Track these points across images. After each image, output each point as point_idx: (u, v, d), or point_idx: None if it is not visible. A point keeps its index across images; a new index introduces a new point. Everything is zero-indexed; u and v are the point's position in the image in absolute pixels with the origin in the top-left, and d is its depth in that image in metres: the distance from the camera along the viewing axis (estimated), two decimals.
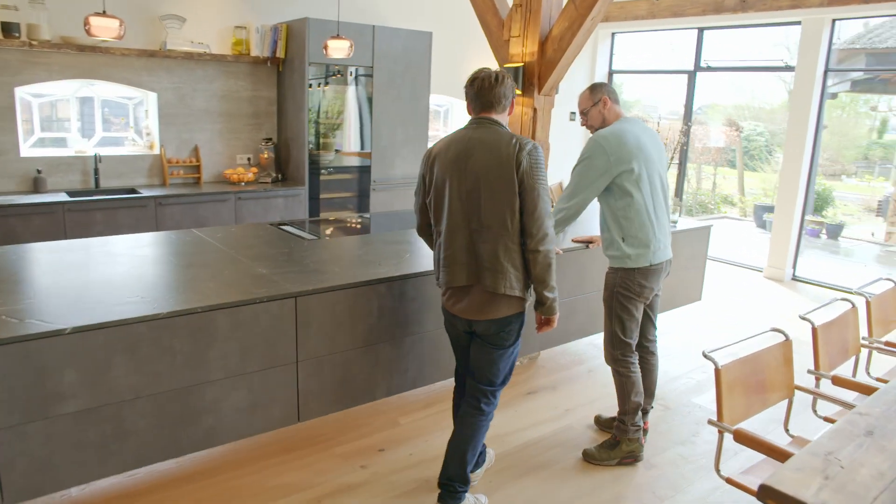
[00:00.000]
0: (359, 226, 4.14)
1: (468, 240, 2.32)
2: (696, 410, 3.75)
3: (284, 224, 3.78)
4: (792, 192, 6.54)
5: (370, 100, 5.56)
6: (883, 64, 8.98)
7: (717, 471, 2.29)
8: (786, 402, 2.61)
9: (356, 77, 5.58)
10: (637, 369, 3.08)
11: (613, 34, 8.27)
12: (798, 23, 6.32)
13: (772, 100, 12.85)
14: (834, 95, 12.12)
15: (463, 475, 2.49)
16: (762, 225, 10.33)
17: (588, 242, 3.67)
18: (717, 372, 2.27)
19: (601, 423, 3.48)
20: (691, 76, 7.44)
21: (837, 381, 2.68)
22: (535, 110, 3.94)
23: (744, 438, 2.16)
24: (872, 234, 10.96)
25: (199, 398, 2.33)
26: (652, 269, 2.96)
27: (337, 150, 5.67)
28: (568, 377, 4.10)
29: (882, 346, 3.12)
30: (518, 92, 3.94)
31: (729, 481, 2.23)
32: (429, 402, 3.63)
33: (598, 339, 4.49)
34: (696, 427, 3.55)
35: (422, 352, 2.98)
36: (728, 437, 2.27)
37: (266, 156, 5.43)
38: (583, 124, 3.03)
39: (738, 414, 2.32)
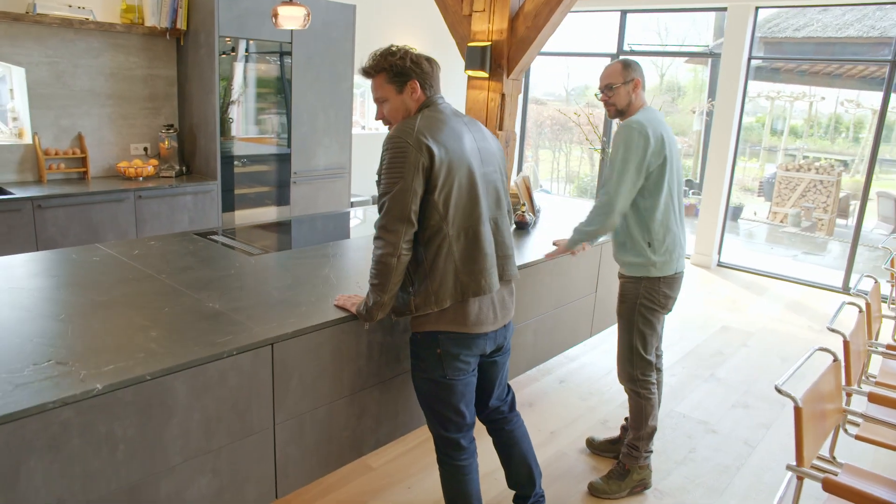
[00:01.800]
0: (301, 231, 3.51)
1: (492, 232, 2.04)
2: (682, 422, 3.50)
3: (213, 233, 3.09)
4: (719, 178, 6.55)
5: (288, 81, 4.86)
6: (775, 52, 9.32)
7: None
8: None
9: (270, 55, 4.85)
10: (656, 390, 2.75)
11: None
12: (724, 9, 6.28)
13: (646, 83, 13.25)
14: None
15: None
16: None
17: (568, 252, 2.97)
18: (798, 410, 1.95)
19: (596, 448, 3.13)
20: (614, 60, 7.29)
21: (875, 399, 2.47)
22: (503, 96, 3.48)
23: (836, 488, 1.86)
24: (755, 214, 11.57)
25: (152, 495, 1.69)
26: (676, 277, 2.64)
27: (249, 138, 4.93)
28: (540, 391, 3.73)
29: (885, 351, 2.99)
30: (484, 74, 3.46)
31: None
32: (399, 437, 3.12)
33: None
34: (690, 441, 3.30)
35: (412, 390, 2.46)
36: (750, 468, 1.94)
37: (167, 145, 4.59)
38: (604, 100, 2.60)
39: (811, 452, 2.02)
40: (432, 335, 1.98)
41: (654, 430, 2.76)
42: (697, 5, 6.52)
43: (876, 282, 3.42)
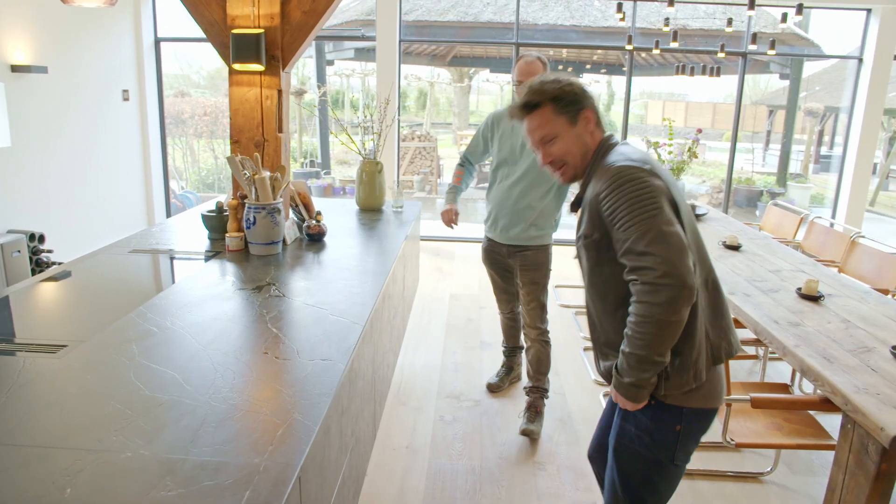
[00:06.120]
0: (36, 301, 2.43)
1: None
2: (510, 400, 3.67)
3: None
4: (392, 153, 6.89)
5: None
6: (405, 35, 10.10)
7: (728, 440, 2.32)
8: None
9: None
10: None
11: None
12: None
13: (210, 67, 13.61)
14: (330, 62, 13.19)
15: None
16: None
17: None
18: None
19: (497, 387, 3.70)
20: None
21: None
22: (279, 92, 2.98)
23: (763, 402, 2.28)
24: None
25: None
26: None
27: None
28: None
29: None
30: (259, 67, 2.90)
31: (742, 445, 2.32)
32: None
33: None
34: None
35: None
36: None
37: None
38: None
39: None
40: (676, 409, 1.59)
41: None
42: None
43: None
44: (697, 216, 4.59)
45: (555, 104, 1.59)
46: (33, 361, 1.75)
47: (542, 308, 3.21)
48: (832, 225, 4.44)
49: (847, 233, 4.18)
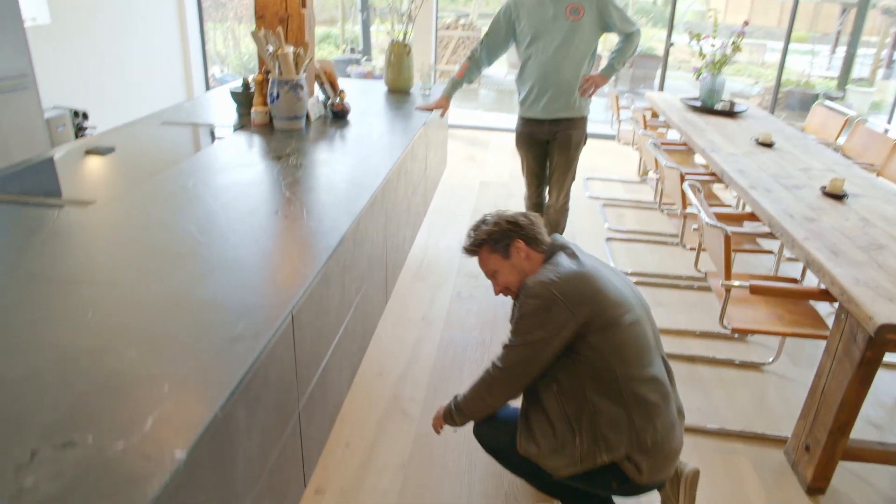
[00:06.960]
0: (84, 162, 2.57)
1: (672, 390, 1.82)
2: None
3: None
4: (426, 38, 6.71)
5: None
6: None
7: (724, 324, 2.40)
8: None
9: None
10: None
11: None
12: None
13: None
14: None
15: None
16: None
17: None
18: (727, 238, 2.29)
19: None
20: None
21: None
22: None
23: (762, 290, 2.34)
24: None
25: None
26: None
27: None
28: (399, 284, 3.62)
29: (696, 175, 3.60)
30: None
31: (737, 330, 2.39)
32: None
33: None
34: None
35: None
36: None
37: None
38: None
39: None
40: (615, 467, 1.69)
41: None
42: None
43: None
44: (735, 113, 4.45)
45: (489, 245, 1.87)
46: (67, 213, 1.90)
47: (572, 180, 3.45)
48: (886, 131, 4.25)
49: (891, 137, 4.01)
